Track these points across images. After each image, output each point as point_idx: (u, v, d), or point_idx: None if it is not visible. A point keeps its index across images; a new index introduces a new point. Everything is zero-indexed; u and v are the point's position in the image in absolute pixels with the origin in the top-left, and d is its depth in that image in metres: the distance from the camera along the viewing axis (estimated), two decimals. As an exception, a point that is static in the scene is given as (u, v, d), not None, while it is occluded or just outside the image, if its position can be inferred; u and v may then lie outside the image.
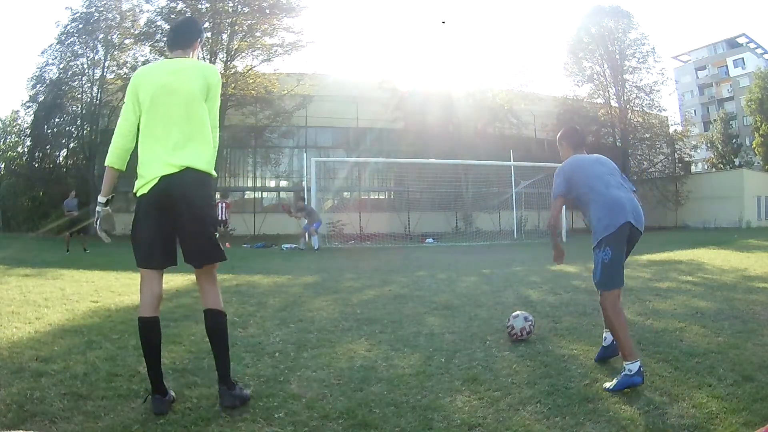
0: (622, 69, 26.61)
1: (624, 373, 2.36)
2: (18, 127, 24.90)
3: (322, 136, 23.91)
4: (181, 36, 2.29)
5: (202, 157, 2.11)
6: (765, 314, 3.91)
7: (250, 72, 20.50)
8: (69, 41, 21.43)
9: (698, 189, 26.83)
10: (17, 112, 25.15)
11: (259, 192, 24.84)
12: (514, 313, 3.36)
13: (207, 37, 20.25)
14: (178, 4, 20.05)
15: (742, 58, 44.66)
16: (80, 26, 21.16)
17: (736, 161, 37.80)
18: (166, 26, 20.14)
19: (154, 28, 20.32)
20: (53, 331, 3.39)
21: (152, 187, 2.08)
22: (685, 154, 29.81)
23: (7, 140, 25.41)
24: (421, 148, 19.84)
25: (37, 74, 21.93)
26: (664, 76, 27.86)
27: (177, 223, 2.10)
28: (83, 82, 21.92)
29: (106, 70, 21.61)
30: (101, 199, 2.35)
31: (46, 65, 21.78)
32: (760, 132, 33.59)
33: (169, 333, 3.44)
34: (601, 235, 2.65)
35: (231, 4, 20.28)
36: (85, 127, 22.11)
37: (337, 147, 23.76)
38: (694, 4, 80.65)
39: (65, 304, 4.44)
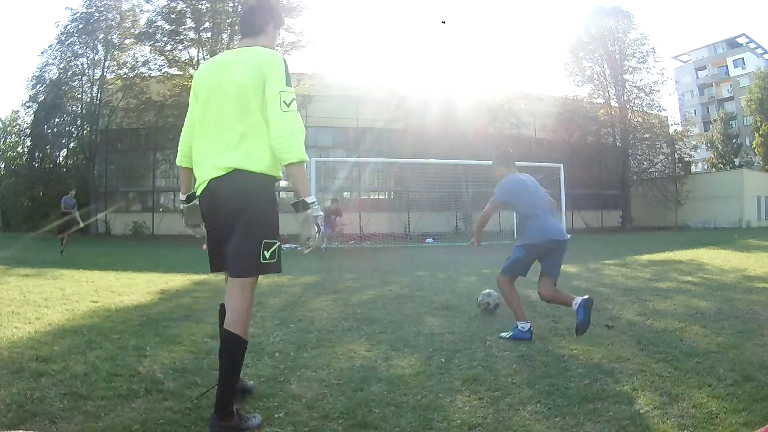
0: (622, 69, 26.64)
1: (518, 328, 3.31)
2: (18, 127, 24.95)
3: (322, 136, 23.91)
4: (246, 22, 2.07)
5: (255, 156, 1.86)
6: (765, 314, 3.91)
7: (250, 72, 20.52)
8: (69, 41, 21.47)
9: (698, 189, 26.84)
10: (17, 112, 25.23)
11: (259, 192, 24.84)
12: (484, 291, 4.24)
13: (207, 37, 20.29)
14: (178, 4, 20.06)
15: (742, 58, 44.67)
16: (80, 26, 21.19)
17: (736, 161, 37.82)
18: (167, 26, 20.18)
19: (154, 28, 20.34)
20: (53, 331, 3.39)
21: (202, 191, 1.95)
22: (685, 154, 29.84)
23: (7, 140, 25.43)
24: (421, 149, 19.84)
25: (37, 74, 21.98)
26: (664, 76, 27.96)
27: (224, 226, 1.91)
28: (83, 82, 21.95)
29: (106, 70, 21.64)
30: (181, 196, 2.22)
31: (46, 65, 21.84)
32: (760, 132, 33.62)
33: (169, 333, 3.44)
34: (527, 242, 3.48)
35: (231, 4, 20.29)
36: (85, 127, 22.13)
37: (337, 147, 23.77)
38: (694, 4, 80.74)
39: (65, 304, 4.44)
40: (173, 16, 20.05)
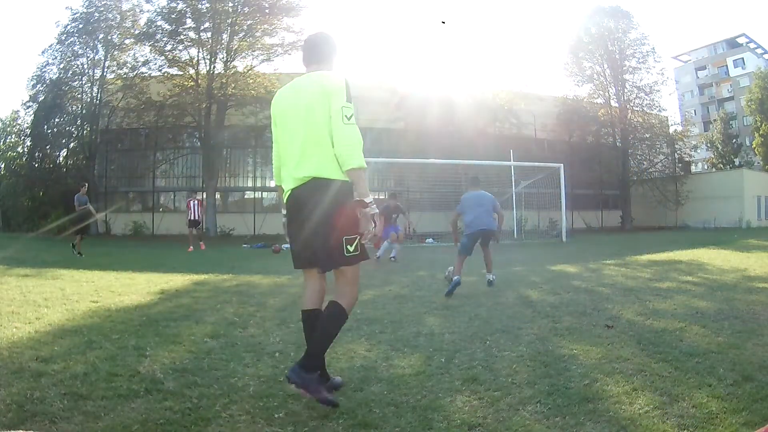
0: (622, 69, 26.63)
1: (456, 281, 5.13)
2: (18, 127, 24.92)
3: (321, 136, 23.90)
4: (311, 52, 2.33)
5: (327, 165, 2.13)
6: (765, 314, 3.91)
7: (250, 72, 20.50)
8: (69, 41, 21.46)
9: (698, 189, 26.83)
10: (17, 112, 25.20)
11: (259, 192, 24.83)
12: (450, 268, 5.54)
13: (207, 37, 20.29)
14: (178, 4, 20.06)
15: (742, 58, 44.67)
16: (80, 26, 21.19)
17: (736, 161, 37.82)
18: (167, 26, 20.18)
19: (154, 28, 20.33)
20: (53, 331, 3.39)
21: (286, 201, 2.24)
22: (685, 154, 29.83)
23: (7, 140, 25.41)
24: (421, 148, 19.84)
25: (37, 74, 21.97)
26: (664, 76, 27.90)
27: (308, 228, 2.17)
28: (83, 82, 21.95)
29: (106, 70, 21.64)
30: (283, 210, 2.40)
31: (46, 65, 21.83)
32: (760, 132, 33.61)
33: (169, 333, 3.44)
34: (467, 231, 5.64)
35: (231, 4, 20.28)
36: (85, 127, 22.12)
37: (337, 147, 23.76)
38: (694, 4, 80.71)
39: (65, 304, 4.44)
40: (173, 16, 20.04)
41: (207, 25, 20.26)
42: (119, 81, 21.04)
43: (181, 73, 20.46)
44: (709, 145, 39.78)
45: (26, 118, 23.61)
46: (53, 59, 21.75)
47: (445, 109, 20.78)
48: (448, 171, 18.83)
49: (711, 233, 19.72)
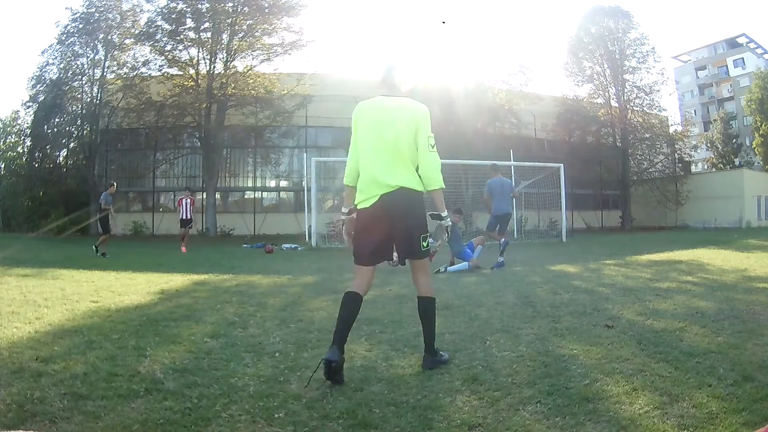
0: (622, 69, 26.62)
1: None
2: (18, 127, 24.93)
3: (322, 136, 23.91)
4: (392, 75, 2.71)
5: (413, 178, 2.56)
6: (765, 314, 3.91)
7: (250, 72, 20.51)
8: (69, 41, 21.47)
9: (698, 189, 26.83)
10: (17, 112, 25.20)
11: (259, 192, 24.84)
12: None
13: (207, 37, 20.30)
14: (178, 4, 20.06)
15: (742, 58, 44.69)
16: (80, 26, 21.19)
17: (736, 161, 37.81)
18: (167, 26, 20.19)
19: (155, 28, 20.33)
20: (53, 331, 3.39)
21: (373, 203, 2.53)
22: (685, 154, 29.82)
23: (7, 140, 25.42)
24: (420, 148, 19.80)
25: (37, 74, 21.98)
26: (664, 76, 27.90)
27: (393, 230, 2.57)
28: (83, 82, 21.96)
29: (106, 70, 21.64)
30: (344, 209, 2.75)
31: (46, 65, 21.85)
32: (760, 132, 33.62)
33: (169, 333, 3.44)
34: (495, 213, 7.59)
35: (231, 4, 20.28)
36: (85, 127, 22.14)
37: (337, 147, 23.72)
38: (694, 4, 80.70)
39: (65, 304, 4.44)
40: (173, 16, 20.04)
41: (207, 25, 20.27)
42: (119, 81, 21.05)
43: (181, 73, 20.46)
44: (709, 145, 39.77)
45: (26, 118, 23.65)
46: (53, 59, 21.78)
47: (444, 109, 20.74)
48: (447, 171, 18.63)
49: (711, 233, 19.72)
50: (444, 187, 2.61)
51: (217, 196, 22.24)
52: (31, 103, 22.43)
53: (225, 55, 20.40)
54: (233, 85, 19.89)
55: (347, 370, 2.70)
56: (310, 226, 14.41)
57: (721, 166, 38.08)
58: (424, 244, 2.60)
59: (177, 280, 6.29)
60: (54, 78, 21.70)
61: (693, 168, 36.90)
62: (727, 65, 45.82)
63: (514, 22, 43.99)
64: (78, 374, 2.49)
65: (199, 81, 19.96)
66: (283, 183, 24.81)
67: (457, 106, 20.91)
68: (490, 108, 22.05)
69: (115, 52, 21.44)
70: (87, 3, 21.20)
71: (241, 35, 20.42)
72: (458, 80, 22.25)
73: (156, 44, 20.29)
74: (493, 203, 7.68)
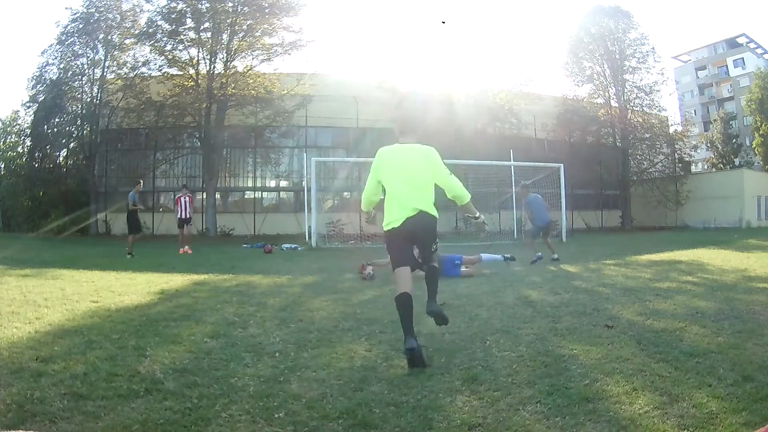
0: (622, 69, 26.58)
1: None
2: (18, 127, 24.91)
3: (322, 136, 23.89)
4: (407, 122, 3.37)
5: (428, 205, 3.20)
6: (765, 314, 3.91)
7: (250, 72, 20.49)
8: (69, 41, 21.44)
9: (698, 189, 26.81)
10: (17, 112, 25.17)
11: (259, 192, 24.83)
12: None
13: (207, 37, 20.31)
14: (178, 4, 20.04)
15: (742, 58, 44.68)
16: (80, 26, 21.17)
17: (736, 161, 37.79)
18: (167, 26, 20.17)
19: (154, 28, 20.30)
20: (53, 331, 3.39)
21: (401, 224, 3.15)
22: (685, 154, 29.78)
23: (7, 140, 25.40)
24: (421, 148, 19.81)
25: (37, 74, 21.95)
26: (664, 76, 27.84)
27: (416, 242, 3.31)
28: (83, 82, 21.94)
29: (106, 70, 21.62)
30: (363, 223, 3.73)
31: (46, 65, 21.82)
32: (760, 132, 33.60)
33: (169, 333, 3.45)
34: (539, 224, 9.05)
35: (231, 4, 20.26)
36: (85, 127, 22.12)
37: (337, 147, 23.75)
38: (694, 4, 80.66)
39: (65, 304, 4.44)
40: (173, 16, 20.02)
41: (207, 25, 20.25)
42: (119, 81, 21.03)
43: (181, 73, 20.44)
44: (709, 145, 39.74)
45: (26, 118, 23.62)
46: (53, 59, 21.74)
47: (445, 109, 20.75)
48: (448, 171, 18.79)
49: (711, 233, 19.71)
50: (471, 196, 3.38)
51: (217, 196, 22.23)
52: (31, 103, 22.42)
53: (225, 55, 20.38)
54: (233, 85, 19.88)
55: (347, 370, 2.70)
56: (310, 226, 14.40)
57: (721, 166, 38.05)
58: (435, 247, 3.33)
59: (177, 280, 6.29)
60: (54, 78, 21.68)
61: (693, 168, 36.86)
62: (727, 65, 45.82)
63: (515, 22, 44.04)
64: (78, 374, 2.49)
65: (199, 81, 19.95)
66: (283, 183, 24.79)
67: (457, 107, 20.92)
68: (490, 108, 22.04)
69: (115, 52, 21.41)
70: (87, 3, 21.19)
71: (241, 35, 20.40)
72: (458, 80, 22.27)
73: (156, 44, 20.26)
74: (535, 216, 9.04)
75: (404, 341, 2.87)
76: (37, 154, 23.27)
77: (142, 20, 21.07)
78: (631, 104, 26.73)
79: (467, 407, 2.17)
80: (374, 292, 5.43)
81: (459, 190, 3.32)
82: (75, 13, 21.27)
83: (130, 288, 5.54)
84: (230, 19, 20.08)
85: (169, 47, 20.33)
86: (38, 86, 21.93)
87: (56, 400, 2.14)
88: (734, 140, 39.73)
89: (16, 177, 23.58)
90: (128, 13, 21.36)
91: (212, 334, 3.44)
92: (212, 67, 20.44)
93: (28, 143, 23.78)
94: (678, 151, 29.05)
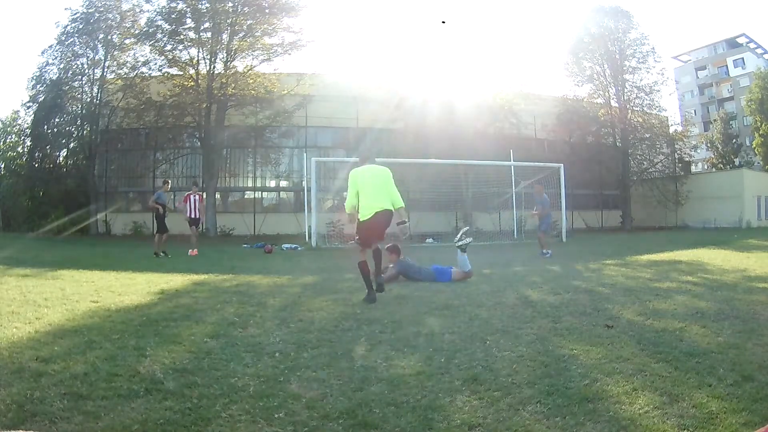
0: (622, 69, 26.57)
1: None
2: (18, 127, 24.89)
3: (322, 136, 23.89)
4: (366, 157, 5.33)
5: (388, 204, 4.94)
6: (765, 314, 3.91)
7: (250, 72, 20.48)
8: (69, 41, 21.43)
9: (698, 189, 26.81)
10: (17, 112, 25.16)
11: (259, 192, 24.82)
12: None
13: (207, 37, 20.31)
14: (178, 4, 20.03)
15: (742, 58, 44.67)
16: (80, 26, 21.16)
17: (736, 161, 37.79)
18: (167, 26, 20.16)
19: (154, 28, 20.29)
20: (53, 331, 3.39)
21: (372, 216, 4.83)
22: (685, 154, 29.76)
23: (7, 140, 25.40)
24: (421, 149, 19.81)
25: (37, 74, 21.93)
26: (664, 76, 27.82)
27: (380, 227, 4.93)
28: (83, 82, 21.91)
29: (106, 70, 21.60)
30: (348, 216, 5.29)
31: (46, 65, 21.78)
32: (760, 132, 33.59)
33: (168, 333, 3.44)
34: (551, 220, 11.36)
35: (231, 4, 20.25)
36: (85, 127, 22.10)
37: (337, 147, 23.72)
38: (694, 4, 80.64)
39: (65, 304, 4.44)
40: (173, 16, 20.00)
41: (207, 25, 20.24)
42: (119, 81, 21.01)
43: (181, 73, 20.43)
44: (709, 145, 39.72)
45: (26, 118, 23.59)
46: (53, 59, 21.72)
47: (445, 109, 20.75)
48: (448, 171, 18.79)
49: (711, 233, 19.71)
50: (404, 205, 5.11)
51: (217, 196, 22.22)
52: (31, 103, 22.40)
53: (225, 55, 20.37)
54: (233, 85, 19.87)
55: (347, 370, 2.70)
56: (310, 226, 14.40)
57: (721, 166, 38.04)
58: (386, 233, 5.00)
59: (177, 280, 6.29)
60: (54, 78, 21.66)
61: (693, 168, 36.84)
62: (727, 65, 45.81)
63: (515, 22, 44.01)
64: (78, 374, 2.49)
65: (199, 81, 19.94)
66: (283, 183, 24.78)
67: (457, 107, 20.91)
68: (490, 108, 22.03)
69: (115, 52, 21.39)
70: (87, 3, 21.17)
71: (241, 35, 20.39)
72: (458, 81, 22.26)
73: (156, 44, 20.25)
74: (549, 213, 10.56)
75: (366, 293, 4.84)
76: (37, 154, 23.25)
77: (142, 20, 21.06)
78: (631, 104, 26.72)
79: (467, 407, 2.17)
80: (374, 292, 5.42)
81: (396, 197, 5.02)
82: (75, 14, 21.26)
83: (130, 288, 5.54)
84: (230, 19, 20.08)
85: (169, 47, 20.32)
86: (38, 86, 21.91)
87: (56, 400, 2.14)
88: (734, 140, 39.71)
89: (16, 177, 23.57)
90: (128, 13, 21.35)
91: (212, 334, 3.44)
92: (212, 67, 20.43)
93: (28, 143, 23.76)
94: (678, 151, 29.03)
